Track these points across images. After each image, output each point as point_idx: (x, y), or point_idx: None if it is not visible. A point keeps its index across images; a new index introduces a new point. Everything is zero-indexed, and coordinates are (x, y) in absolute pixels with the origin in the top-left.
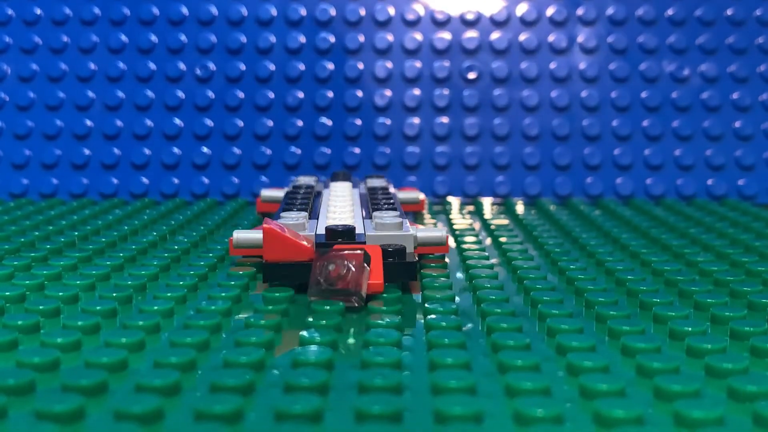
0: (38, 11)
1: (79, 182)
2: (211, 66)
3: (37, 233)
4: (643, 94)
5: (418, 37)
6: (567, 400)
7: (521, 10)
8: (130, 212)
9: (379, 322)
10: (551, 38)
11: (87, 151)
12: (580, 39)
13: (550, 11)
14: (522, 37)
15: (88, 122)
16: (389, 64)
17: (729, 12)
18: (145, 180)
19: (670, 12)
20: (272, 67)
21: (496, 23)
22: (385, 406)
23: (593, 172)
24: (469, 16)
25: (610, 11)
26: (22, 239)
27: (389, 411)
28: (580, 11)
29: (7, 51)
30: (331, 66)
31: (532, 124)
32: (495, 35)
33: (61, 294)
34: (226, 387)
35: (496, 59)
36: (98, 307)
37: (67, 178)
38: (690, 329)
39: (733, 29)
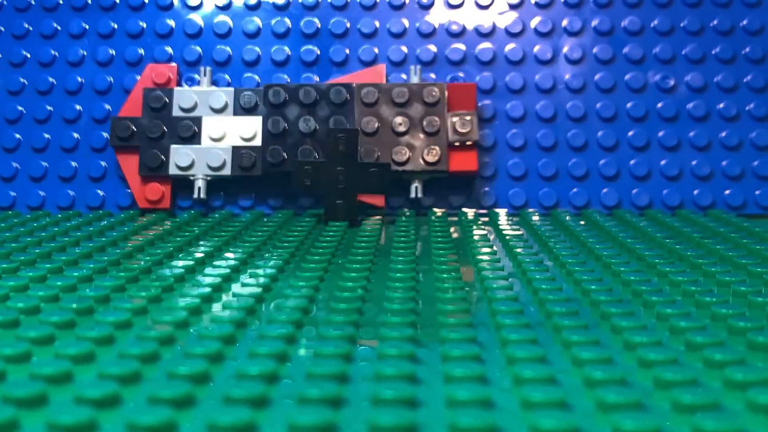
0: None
1: (95, 195)
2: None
3: (53, 244)
4: (629, 105)
5: (404, 49)
6: (583, 413)
7: (506, 21)
8: (146, 223)
9: (393, 334)
10: (536, 49)
11: (103, 163)
12: (565, 50)
13: (534, 22)
14: (508, 48)
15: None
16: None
17: (715, 22)
18: None
19: (655, 22)
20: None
21: (482, 34)
22: (398, 419)
23: (579, 182)
24: (454, 28)
25: (595, 22)
26: (38, 250)
27: (403, 424)
28: (565, 22)
29: None
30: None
31: (516, 135)
32: (481, 46)
33: (75, 306)
34: (239, 399)
35: (482, 70)
36: (111, 319)
37: (85, 189)
38: (707, 340)
39: (720, 39)
